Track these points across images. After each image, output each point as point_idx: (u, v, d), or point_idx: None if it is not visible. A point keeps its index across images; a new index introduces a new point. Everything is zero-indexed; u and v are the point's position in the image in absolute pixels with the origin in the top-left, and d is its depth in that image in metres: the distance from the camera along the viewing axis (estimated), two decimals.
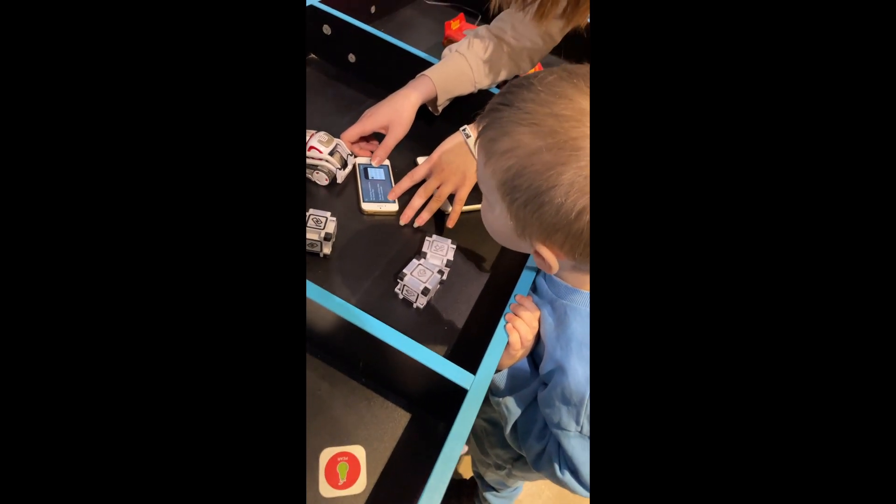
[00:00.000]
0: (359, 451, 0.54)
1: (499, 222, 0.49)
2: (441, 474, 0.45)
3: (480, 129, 0.46)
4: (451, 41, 1.05)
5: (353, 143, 0.78)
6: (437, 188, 0.73)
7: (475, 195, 0.77)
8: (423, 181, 0.75)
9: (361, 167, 0.78)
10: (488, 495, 1.04)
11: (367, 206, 0.74)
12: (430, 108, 0.84)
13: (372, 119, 0.76)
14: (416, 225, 0.73)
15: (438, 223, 0.77)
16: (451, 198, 0.76)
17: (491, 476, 0.95)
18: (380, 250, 0.71)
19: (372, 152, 0.80)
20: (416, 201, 0.73)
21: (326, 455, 0.53)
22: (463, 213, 0.77)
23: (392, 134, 0.76)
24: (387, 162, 0.80)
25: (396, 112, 0.76)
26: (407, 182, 0.74)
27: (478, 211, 0.79)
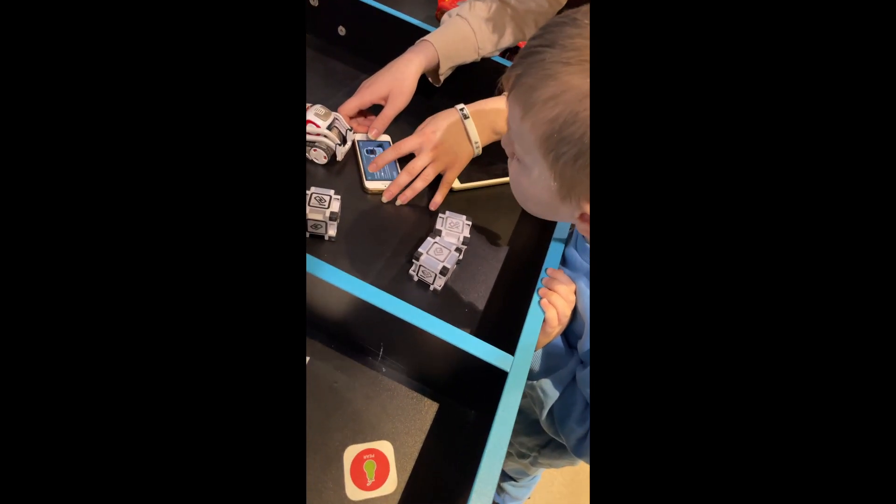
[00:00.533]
0: (386, 448, 0.49)
1: (537, 187, 0.44)
2: (490, 468, 0.40)
3: (513, 78, 0.41)
4: (444, 12, 1.00)
5: (351, 117, 0.72)
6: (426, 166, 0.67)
7: (477, 173, 0.73)
8: (410, 155, 0.68)
9: (361, 144, 0.72)
10: (506, 485, 1.00)
11: (370, 185, 0.68)
12: (430, 80, 0.78)
13: (371, 90, 0.70)
14: (398, 203, 0.68)
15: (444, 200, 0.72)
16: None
17: (511, 465, 0.91)
18: (388, 230, 0.66)
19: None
20: (403, 178, 0.67)
21: (351, 453, 0.47)
22: (467, 190, 0.72)
23: (392, 104, 0.70)
24: (387, 137, 0.75)
25: (397, 81, 0.70)
26: (391, 154, 0.67)
27: (482, 188, 0.75)
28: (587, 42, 0.36)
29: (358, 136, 0.73)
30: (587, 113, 0.36)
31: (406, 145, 0.67)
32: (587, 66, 0.35)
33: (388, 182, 0.69)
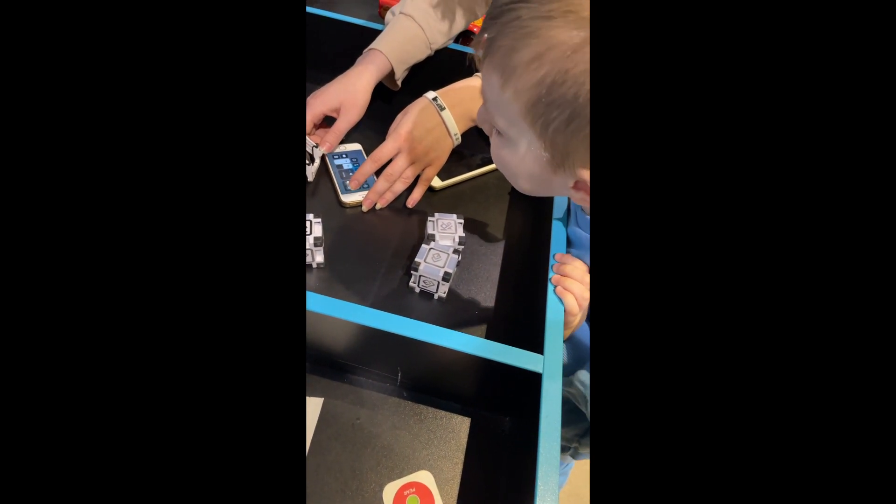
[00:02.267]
0: (425, 478, 0.45)
1: (526, 161, 0.40)
2: (547, 481, 0.36)
3: (486, 43, 0.37)
4: (387, 9, 0.96)
5: (307, 133, 0.67)
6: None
7: (457, 167, 0.69)
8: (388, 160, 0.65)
9: (331, 158, 0.68)
10: None
11: (347, 199, 0.64)
12: (387, 85, 0.74)
13: (321, 100, 0.65)
14: (378, 207, 0.64)
15: (430, 200, 0.68)
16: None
17: None
18: (378, 245, 0.62)
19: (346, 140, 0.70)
20: (381, 185, 0.63)
21: (391, 491, 0.44)
22: (450, 186, 0.69)
23: (345, 117, 0.65)
24: (358, 146, 0.71)
25: (348, 93, 0.65)
26: (370, 166, 0.63)
27: (464, 182, 0.71)
28: None
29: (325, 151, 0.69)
30: (579, 69, 0.32)
31: (383, 153, 0.63)
32: (572, 17, 0.32)
33: (364, 192, 0.65)
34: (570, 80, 0.33)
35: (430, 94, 0.65)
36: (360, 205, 0.65)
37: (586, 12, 0.32)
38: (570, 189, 0.41)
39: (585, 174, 0.38)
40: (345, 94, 0.65)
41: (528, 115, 0.36)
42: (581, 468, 1.25)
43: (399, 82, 0.72)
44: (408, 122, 0.63)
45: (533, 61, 0.34)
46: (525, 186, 0.46)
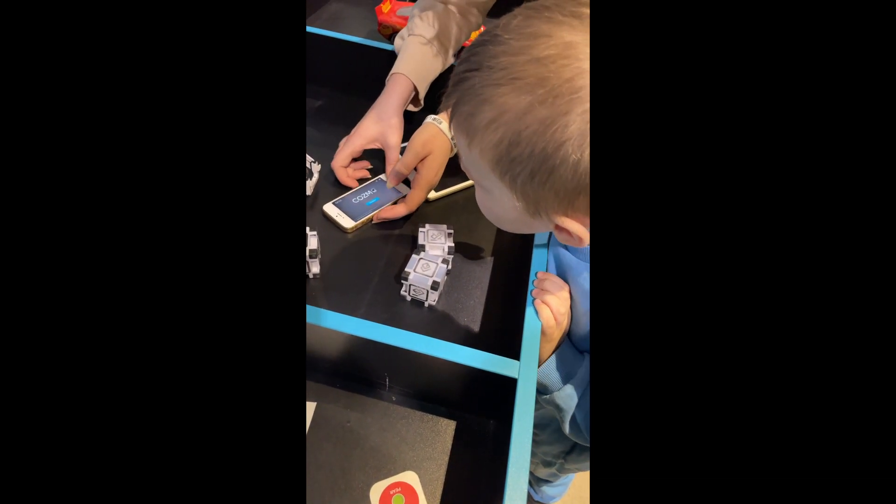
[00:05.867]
0: (411, 478, 0.48)
1: (503, 208, 0.43)
2: (517, 482, 0.39)
3: (451, 107, 0.39)
4: (385, 26, 0.99)
5: (344, 167, 0.70)
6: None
7: (450, 178, 0.71)
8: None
9: (357, 194, 0.70)
10: (544, 487, 0.99)
11: (346, 223, 0.67)
12: (410, 106, 0.77)
13: (359, 135, 0.69)
14: (389, 185, 0.69)
15: (425, 211, 0.71)
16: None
17: (542, 471, 0.90)
18: (370, 256, 0.65)
19: (373, 173, 0.73)
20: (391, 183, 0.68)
21: (377, 491, 0.46)
22: (443, 197, 0.72)
23: (388, 143, 0.69)
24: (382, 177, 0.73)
25: (382, 121, 0.69)
26: (394, 180, 0.68)
27: (457, 192, 0.74)
28: (512, 59, 0.34)
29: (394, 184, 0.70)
30: (531, 130, 0.34)
31: (406, 168, 0.67)
32: (518, 82, 0.34)
33: (363, 219, 0.67)
34: (524, 141, 0.35)
35: (430, 117, 0.68)
36: (357, 229, 0.67)
37: (532, 78, 0.34)
38: (552, 229, 0.42)
39: (561, 220, 0.39)
40: (380, 123, 0.70)
41: (495, 170, 0.39)
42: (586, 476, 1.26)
43: (422, 101, 0.76)
44: (419, 140, 0.66)
45: (490, 124, 0.36)
46: (509, 228, 0.49)
